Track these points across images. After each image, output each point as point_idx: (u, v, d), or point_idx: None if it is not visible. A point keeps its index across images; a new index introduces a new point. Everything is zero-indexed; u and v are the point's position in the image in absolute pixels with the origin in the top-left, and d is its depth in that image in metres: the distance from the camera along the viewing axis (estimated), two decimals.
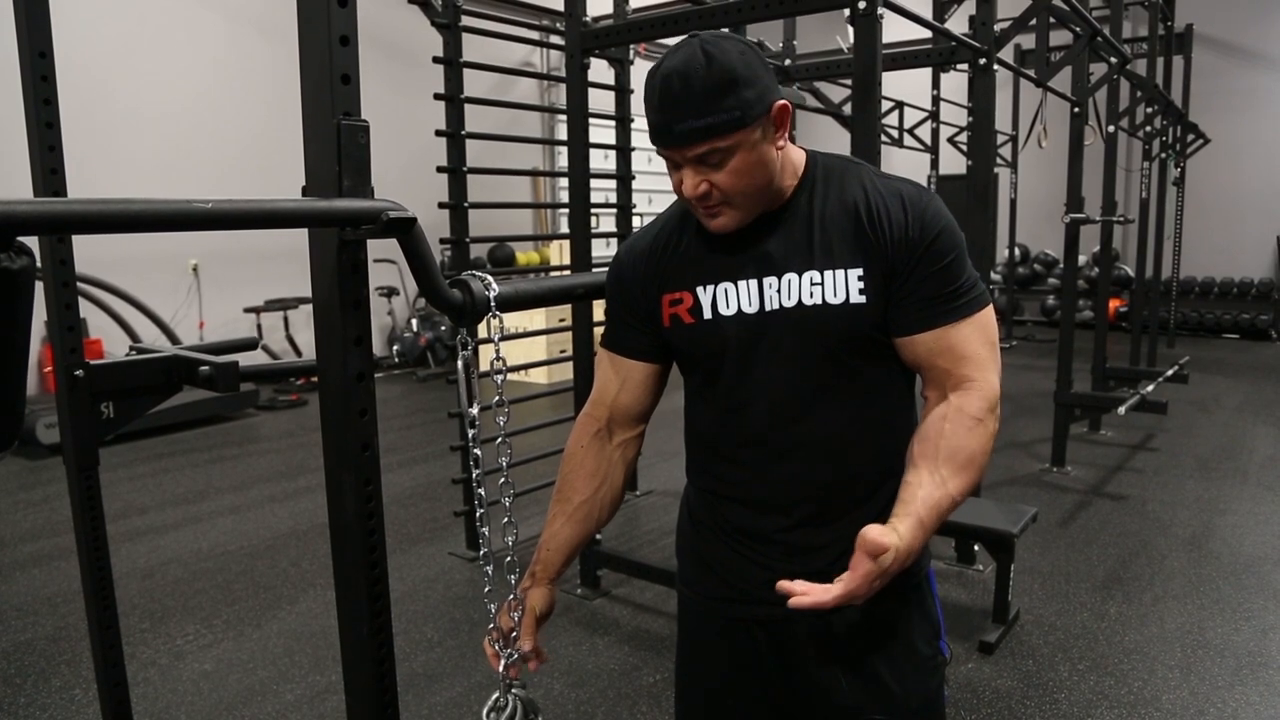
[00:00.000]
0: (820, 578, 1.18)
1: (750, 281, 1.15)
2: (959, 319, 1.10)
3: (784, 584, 0.99)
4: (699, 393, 1.24)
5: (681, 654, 1.38)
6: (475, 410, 1.19)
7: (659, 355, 1.26)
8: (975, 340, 1.11)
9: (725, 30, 1.28)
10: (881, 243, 1.11)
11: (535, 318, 6.83)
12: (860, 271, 1.11)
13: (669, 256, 1.22)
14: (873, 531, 0.96)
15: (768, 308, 1.14)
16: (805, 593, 0.98)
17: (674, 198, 1.30)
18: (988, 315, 1.13)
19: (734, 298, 1.16)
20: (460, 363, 1.20)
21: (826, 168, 1.18)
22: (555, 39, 5.86)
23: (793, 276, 1.13)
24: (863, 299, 1.11)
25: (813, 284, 1.12)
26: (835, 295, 1.11)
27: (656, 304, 1.22)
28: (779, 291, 1.13)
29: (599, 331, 1.40)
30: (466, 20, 3.53)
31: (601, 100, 3.74)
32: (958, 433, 1.07)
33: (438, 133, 3.53)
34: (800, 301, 1.12)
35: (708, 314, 1.17)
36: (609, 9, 3.77)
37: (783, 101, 1.08)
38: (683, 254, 1.21)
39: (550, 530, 1.28)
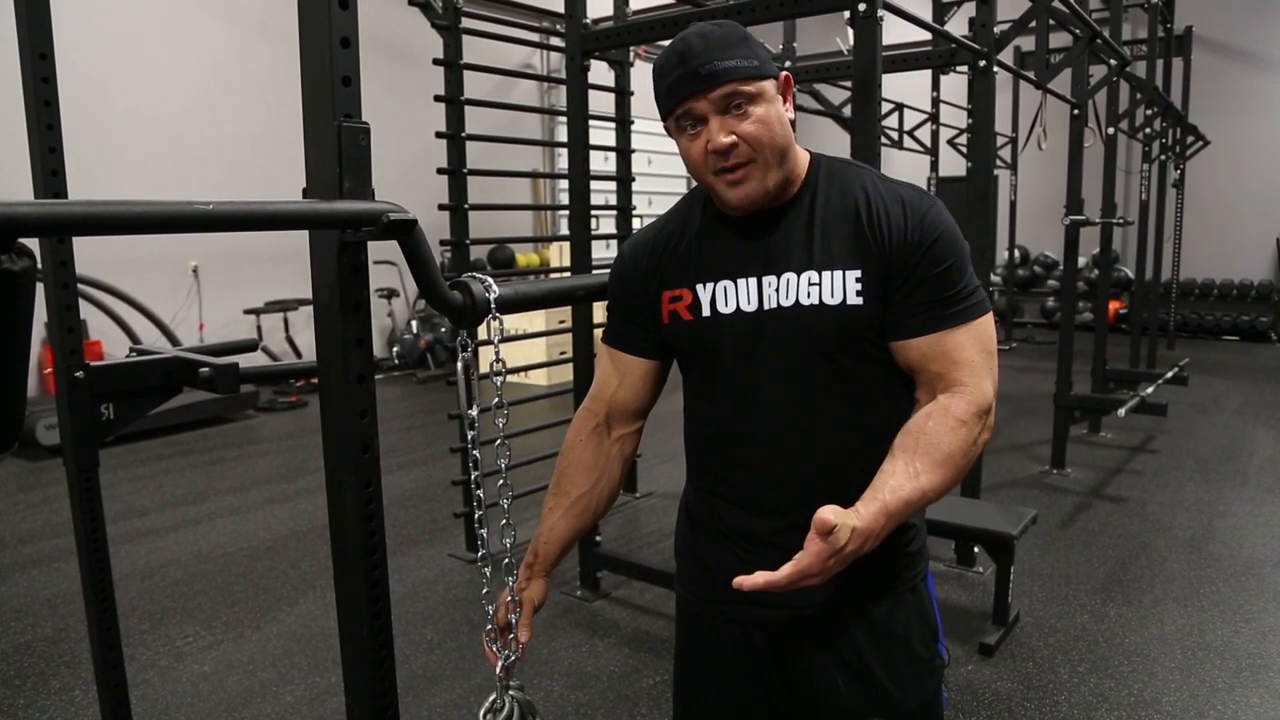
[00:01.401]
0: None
1: (750, 280, 1.15)
2: (955, 325, 1.10)
3: (740, 579, 0.97)
4: (698, 391, 1.25)
5: (680, 655, 1.38)
6: (475, 412, 1.19)
7: (659, 352, 1.27)
8: (970, 347, 1.10)
9: None
10: (880, 245, 1.11)
11: (535, 319, 6.83)
12: (858, 273, 1.11)
13: (671, 253, 1.22)
14: (826, 511, 0.94)
15: (766, 307, 1.14)
16: (756, 578, 0.97)
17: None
18: (985, 323, 1.12)
19: (733, 296, 1.16)
20: (460, 364, 1.20)
21: (830, 169, 1.18)
22: (555, 41, 5.87)
23: (791, 276, 1.13)
24: (859, 300, 1.11)
25: (810, 284, 1.12)
26: (832, 296, 1.11)
27: (657, 300, 1.23)
28: (778, 291, 1.13)
29: (599, 333, 1.41)
30: (467, 22, 3.53)
31: (602, 102, 3.74)
32: (939, 430, 1.06)
33: (438, 134, 3.54)
34: (798, 301, 1.12)
35: (706, 311, 1.18)
36: (609, 11, 3.77)
37: (786, 72, 1.13)
38: (685, 251, 1.21)
39: (547, 524, 1.28)
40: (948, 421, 1.06)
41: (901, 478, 1.03)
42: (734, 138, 1.07)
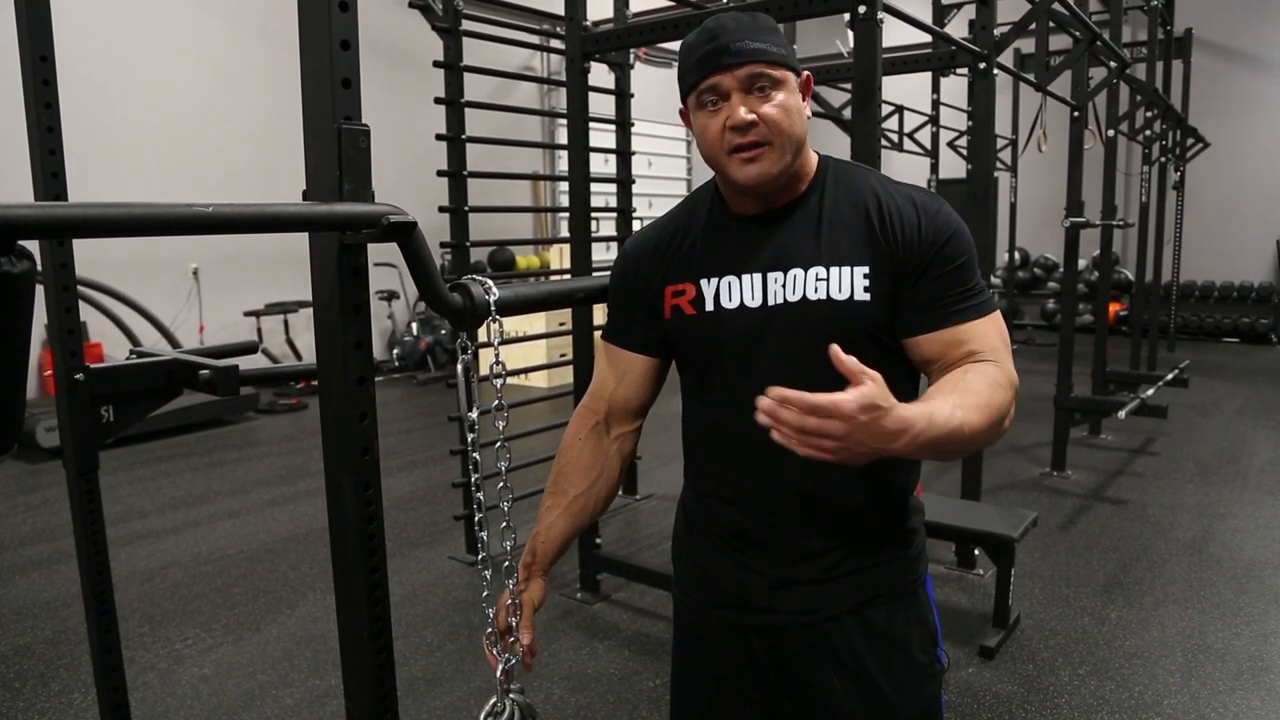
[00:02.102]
0: (816, 586, 1.18)
1: (755, 276, 1.15)
2: (972, 318, 1.11)
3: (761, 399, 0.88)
4: (696, 390, 1.24)
5: (677, 660, 1.37)
6: (475, 414, 1.19)
7: (659, 349, 1.27)
8: (990, 335, 1.11)
9: None
10: (892, 245, 1.11)
11: (535, 322, 6.82)
12: (866, 270, 1.11)
13: (675, 250, 1.22)
14: (867, 373, 0.88)
15: (770, 302, 1.14)
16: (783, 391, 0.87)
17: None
18: (998, 318, 1.13)
19: (737, 291, 1.16)
20: (460, 367, 1.20)
21: (838, 171, 1.19)
22: (556, 43, 5.87)
23: (798, 272, 1.13)
24: (867, 296, 1.11)
25: (818, 280, 1.12)
26: (840, 291, 1.11)
27: (659, 296, 1.22)
28: (784, 286, 1.13)
29: (599, 335, 1.41)
30: (467, 24, 3.53)
31: (602, 104, 3.74)
32: (979, 381, 1.04)
33: (438, 136, 3.54)
34: (805, 296, 1.12)
35: (709, 306, 1.18)
36: (609, 13, 3.78)
37: (809, 73, 1.15)
38: (689, 248, 1.22)
39: (545, 522, 1.28)
40: (986, 379, 1.05)
41: (942, 404, 0.98)
42: (754, 116, 1.08)
